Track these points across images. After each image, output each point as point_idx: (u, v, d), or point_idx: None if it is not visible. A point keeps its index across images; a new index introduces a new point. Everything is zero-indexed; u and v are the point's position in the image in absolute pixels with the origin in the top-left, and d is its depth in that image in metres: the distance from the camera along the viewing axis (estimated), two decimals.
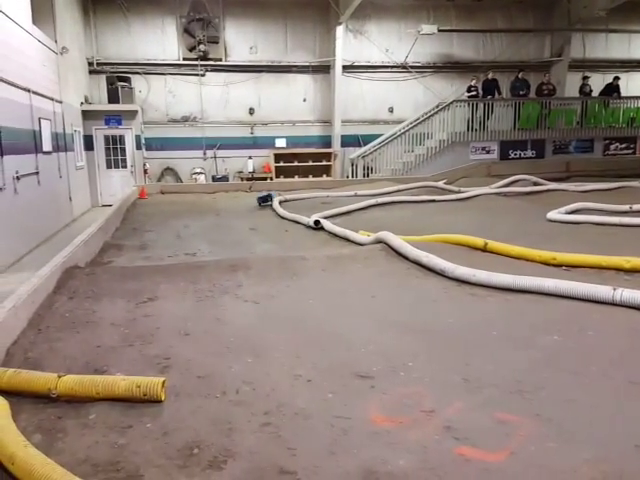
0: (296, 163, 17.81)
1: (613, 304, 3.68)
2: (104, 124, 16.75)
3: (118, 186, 16.36)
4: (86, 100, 16.60)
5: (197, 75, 17.64)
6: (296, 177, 17.33)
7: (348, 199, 10.75)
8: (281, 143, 18.28)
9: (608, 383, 2.67)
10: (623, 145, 17.98)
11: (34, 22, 11.74)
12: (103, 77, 17.02)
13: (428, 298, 4.21)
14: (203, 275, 4.89)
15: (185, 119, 17.83)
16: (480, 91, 17.10)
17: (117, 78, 16.68)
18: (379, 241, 5.89)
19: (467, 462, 2.04)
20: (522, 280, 4.13)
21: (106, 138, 16.88)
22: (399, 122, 17.46)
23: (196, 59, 17.43)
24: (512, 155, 17.08)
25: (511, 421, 2.32)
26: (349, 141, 18.29)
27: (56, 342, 3.33)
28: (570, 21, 18.71)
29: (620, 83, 18.44)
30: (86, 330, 3.56)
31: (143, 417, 2.42)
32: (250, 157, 17.85)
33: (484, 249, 5.52)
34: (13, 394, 2.60)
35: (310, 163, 17.88)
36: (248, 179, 16.93)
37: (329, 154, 18.15)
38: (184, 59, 17.55)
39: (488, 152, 16.89)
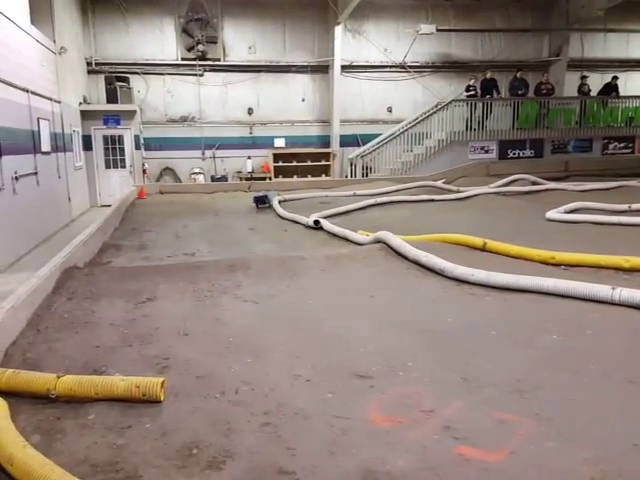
0: (295, 163, 17.81)
1: (612, 303, 3.68)
2: (103, 124, 16.73)
3: (117, 186, 16.34)
4: (85, 100, 16.59)
5: (196, 75, 17.63)
6: (295, 177, 17.33)
7: (347, 199, 10.75)
8: (280, 143, 18.27)
9: (607, 383, 2.67)
10: (622, 144, 17.99)
11: (32, 22, 11.72)
12: (102, 77, 17.00)
13: (427, 298, 4.21)
14: (202, 275, 4.89)
15: (184, 119, 17.82)
16: (479, 91, 17.11)
17: (115, 78, 16.66)
18: (378, 241, 5.90)
19: (466, 462, 2.04)
20: (521, 280, 4.13)
21: (105, 138, 16.86)
22: (398, 122, 17.47)
23: (194, 59, 17.42)
24: (511, 155, 17.09)
25: (510, 421, 2.32)
26: (348, 141, 18.29)
27: (55, 342, 3.33)
28: (568, 21, 18.73)
29: (618, 83, 18.45)
30: (85, 330, 3.56)
31: (142, 417, 2.42)
32: (249, 157, 17.84)
33: (483, 249, 5.53)
34: (12, 395, 2.60)
35: (309, 163, 17.88)
36: (247, 179, 16.93)
37: (328, 154, 18.14)
38: (182, 59, 17.53)
39: (487, 152, 16.89)
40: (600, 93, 18.48)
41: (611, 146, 17.92)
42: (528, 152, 17.23)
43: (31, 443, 2.13)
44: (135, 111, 16.81)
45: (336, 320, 3.72)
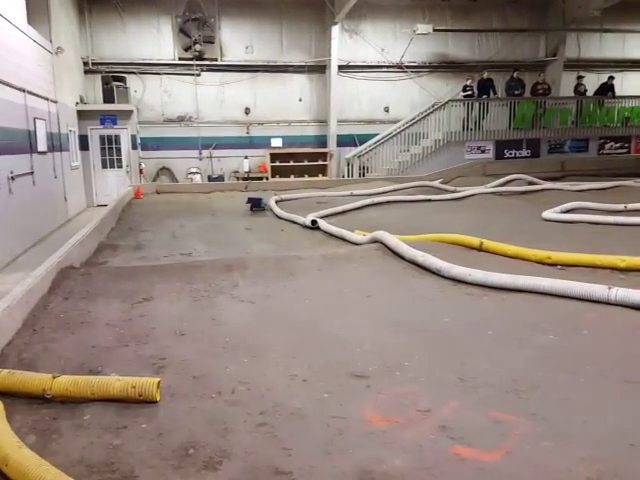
0: (292, 163, 17.79)
1: (608, 303, 3.69)
2: (99, 124, 16.68)
3: (113, 186, 16.30)
4: (81, 100, 16.55)
5: (193, 75, 17.60)
6: (292, 177, 17.30)
7: (344, 199, 10.76)
8: (277, 143, 18.26)
9: (603, 382, 2.67)
10: (618, 144, 18.04)
11: (29, 22, 11.69)
12: (98, 77, 16.96)
13: (424, 297, 4.21)
14: (199, 275, 4.88)
15: (181, 119, 17.79)
16: (475, 91, 17.12)
17: (112, 78, 16.61)
18: (375, 241, 5.90)
19: (463, 462, 2.04)
20: (518, 279, 4.14)
21: (101, 138, 16.82)
22: (395, 122, 17.49)
23: (192, 59, 17.39)
24: (507, 154, 17.11)
25: (507, 420, 2.32)
26: (345, 141, 18.28)
27: (51, 343, 3.32)
28: (565, 21, 18.74)
29: (615, 83, 18.48)
30: (81, 330, 3.55)
31: (138, 418, 2.42)
32: (246, 157, 17.82)
33: (480, 248, 5.53)
34: (7, 395, 2.59)
35: (306, 163, 17.86)
36: (244, 179, 16.91)
37: (325, 154, 18.14)
38: (180, 59, 17.51)
39: (483, 152, 16.91)
40: (596, 93, 18.51)
41: (607, 146, 17.96)
42: (524, 152, 17.25)
43: (26, 443, 2.12)
44: (132, 111, 16.77)
45: (333, 320, 3.72)
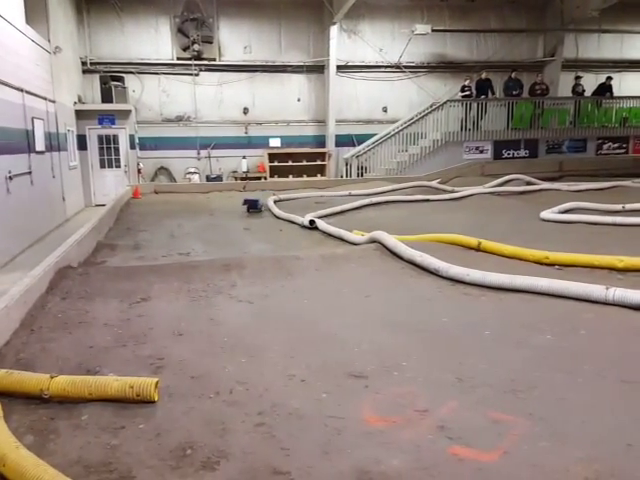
0: (290, 163, 17.79)
1: (606, 303, 3.69)
2: (97, 124, 16.66)
3: (112, 186, 16.28)
4: (79, 100, 16.53)
5: (191, 75, 17.59)
6: (290, 177, 17.30)
7: (342, 199, 10.76)
8: (275, 143, 18.25)
9: (601, 382, 2.68)
10: (616, 145, 18.06)
11: (27, 21, 11.67)
12: (96, 76, 16.93)
13: (422, 297, 4.21)
14: (197, 275, 4.88)
15: (179, 119, 17.78)
16: (474, 91, 17.14)
17: (110, 78, 16.59)
18: (373, 241, 5.90)
19: (461, 462, 2.04)
20: (516, 279, 4.14)
21: (99, 138, 16.79)
22: (393, 122, 17.48)
23: (190, 59, 17.38)
24: (505, 155, 17.12)
25: (504, 420, 2.32)
26: (343, 141, 18.28)
27: (48, 343, 3.32)
28: (563, 21, 18.76)
29: (613, 83, 18.51)
30: (79, 330, 3.55)
31: (136, 418, 2.41)
32: (244, 157, 17.81)
33: (478, 248, 5.54)
34: (5, 395, 2.59)
35: (304, 163, 17.86)
36: (242, 179, 16.91)
37: (323, 154, 18.14)
38: (178, 59, 17.49)
39: (482, 152, 16.92)
40: (594, 93, 18.53)
41: (605, 146, 17.99)
42: (523, 152, 17.27)
43: (24, 444, 2.12)
44: (130, 111, 16.76)
45: (331, 320, 3.72)
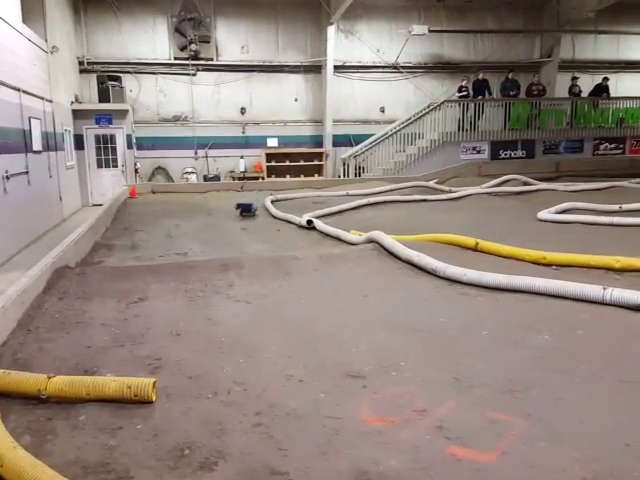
0: (288, 163, 17.80)
1: (603, 303, 3.70)
2: (95, 123, 16.64)
3: (109, 185, 16.27)
4: (76, 99, 16.51)
5: (188, 74, 17.59)
6: (288, 177, 17.31)
7: (340, 199, 10.76)
8: (273, 143, 18.26)
9: (598, 382, 2.68)
10: (612, 145, 18.10)
11: (24, 21, 11.65)
12: (94, 76, 16.92)
13: (420, 298, 4.21)
14: (194, 275, 4.87)
15: (176, 118, 17.77)
16: (471, 91, 17.16)
17: (108, 77, 16.58)
18: (371, 241, 5.90)
19: (459, 462, 2.04)
20: (513, 280, 4.14)
21: (97, 137, 16.78)
22: (390, 122, 17.49)
23: (187, 58, 17.37)
24: (502, 155, 17.15)
25: (502, 420, 2.32)
26: (341, 141, 18.30)
27: (46, 343, 3.31)
28: (559, 22, 18.81)
29: (609, 84, 18.55)
30: (76, 331, 3.54)
31: (134, 418, 2.41)
32: (242, 157, 17.82)
33: (475, 249, 5.54)
34: (2, 395, 2.58)
35: (302, 163, 17.87)
36: (240, 179, 16.89)
37: (321, 154, 18.15)
38: (175, 58, 17.48)
39: (479, 152, 16.95)
40: (591, 94, 18.58)
41: (602, 147, 18.02)
42: (520, 153, 17.30)
43: (21, 444, 2.11)
44: (127, 110, 16.74)
45: (329, 320, 3.72)
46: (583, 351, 3.07)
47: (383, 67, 18.77)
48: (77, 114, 16.26)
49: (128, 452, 2.14)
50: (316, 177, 17.38)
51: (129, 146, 16.85)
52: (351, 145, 17.84)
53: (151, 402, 2.52)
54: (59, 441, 2.25)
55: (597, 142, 17.98)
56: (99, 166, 16.89)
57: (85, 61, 16.92)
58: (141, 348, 3.23)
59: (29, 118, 11.39)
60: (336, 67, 17.88)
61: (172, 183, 16.95)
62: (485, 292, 4.19)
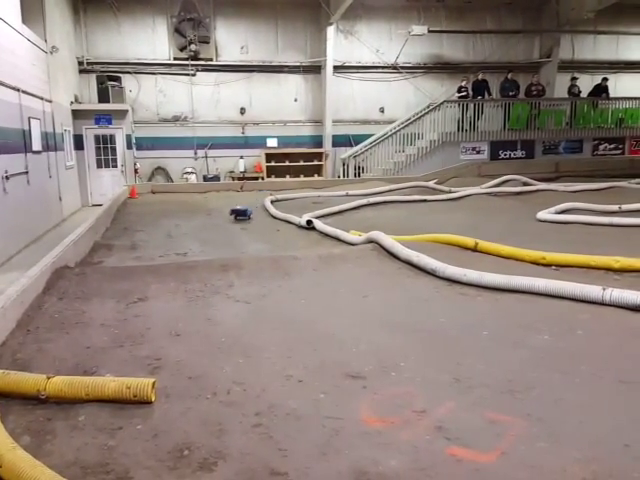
0: (287, 163, 17.80)
1: (603, 304, 3.70)
2: (94, 123, 16.65)
3: (108, 186, 16.28)
4: (76, 99, 16.51)
5: (188, 75, 17.59)
6: (287, 177, 17.32)
7: (339, 199, 10.76)
8: (272, 143, 18.27)
9: (598, 383, 2.68)
10: (612, 145, 18.12)
11: (24, 21, 11.65)
12: (93, 76, 16.93)
13: (419, 298, 4.21)
14: (194, 275, 4.87)
15: (176, 119, 17.77)
16: (470, 92, 17.17)
17: (107, 77, 16.59)
18: (370, 241, 5.90)
19: (458, 462, 2.04)
20: (513, 280, 4.14)
21: (96, 137, 16.79)
22: (390, 122, 17.51)
23: (187, 59, 17.38)
24: (502, 155, 17.16)
25: (502, 421, 2.32)
26: (340, 141, 18.30)
27: (45, 343, 3.31)
28: (559, 22, 18.82)
29: (608, 84, 18.56)
30: (76, 331, 3.54)
31: (133, 418, 2.41)
32: (241, 157, 17.82)
33: (475, 249, 5.54)
34: (1, 396, 2.58)
35: (301, 163, 17.88)
36: (239, 179, 16.90)
37: (320, 154, 18.15)
38: (175, 59, 17.49)
39: (478, 152, 16.96)
40: (590, 94, 18.59)
41: (601, 147, 18.04)
42: (519, 153, 17.32)
43: (21, 444, 2.11)
44: (127, 110, 16.75)
45: (328, 320, 3.72)
46: (583, 351, 3.07)
47: (383, 67, 18.78)
48: (77, 114, 16.26)
49: (127, 452, 2.14)
50: (316, 177, 17.39)
51: (129, 146, 16.86)
52: (351, 145, 17.84)
53: (150, 402, 2.52)
54: (58, 441, 2.24)
55: (596, 142, 18.00)
56: (99, 166, 16.90)
57: (85, 61, 16.93)
58: (140, 348, 3.22)
59: (29, 118, 11.39)
60: (336, 67, 17.89)
61: (172, 183, 16.95)
62: (485, 292, 4.19)
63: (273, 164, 17.77)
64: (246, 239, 7.30)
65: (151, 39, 17.37)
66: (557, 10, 18.69)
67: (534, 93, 17.85)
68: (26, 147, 11.19)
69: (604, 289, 3.72)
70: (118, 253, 6.45)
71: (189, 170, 17.66)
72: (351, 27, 18.37)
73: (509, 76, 17.73)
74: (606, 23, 18.92)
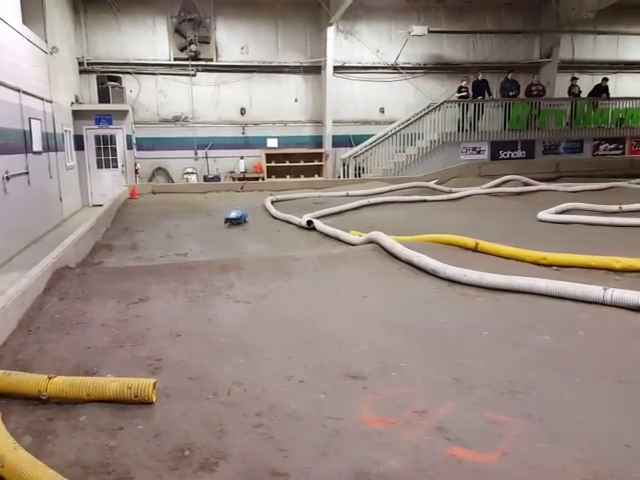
0: (288, 163, 17.80)
1: (603, 304, 3.70)
2: (95, 124, 16.65)
3: (109, 186, 16.28)
4: (76, 100, 16.51)
5: (188, 75, 17.59)
6: (288, 177, 17.32)
7: (340, 199, 10.76)
8: (273, 143, 18.26)
9: (599, 383, 2.68)
10: (612, 145, 18.10)
11: (24, 22, 11.65)
12: (93, 77, 16.93)
13: (420, 298, 4.21)
14: (194, 275, 4.87)
15: (176, 119, 17.77)
16: (470, 92, 17.16)
17: (108, 78, 16.59)
18: (371, 241, 5.90)
19: (459, 463, 2.04)
20: (513, 280, 4.14)
21: (97, 138, 16.79)
22: (390, 122, 17.49)
23: (187, 59, 17.38)
24: (502, 155, 17.16)
25: (503, 421, 2.32)
26: (340, 141, 18.30)
27: (46, 343, 3.31)
28: (559, 23, 18.81)
29: (608, 84, 18.55)
30: (76, 331, 3.54)
31: (134, 419, 2.41)
32: (242, 157, 17.82)
33: (475, 249, 5.54)
34: (3, 396, 2.59)
35: (302, 163, 17.88)
36: (240, 179, 16.90)
37: (321, 154, 18.15)
38: (175, 59, 17.49)
39: (479, 152, 16.96)
40: (590, 95, 18.58)
41: (602, 147, 18.03)
42: (519, 153, 17.31)
43: (22, 445, 2.11)
44: (127, 111, 16.75)
45: (329, 320, 3.72)
46: (583, 352, 3.07)
47: (383, 68, 18.77)
48: (77, 115, 16.27)
49: (128, 453, 2.14)
50: (316, 177, 17.39)
51: (129, 146, 16.86)
52: (351, 146, 17.84)
53: (151, 403, 2.52)
54: (59, 442, 2.25)
55: (597, 142, 17.99)
56: (99, 167, 16.90)
57: (85, 62, 16.93)
58: (141, 349, 3.23)
59: (29, 119, 11.40)
60: (336, 68, 17.88)
61: (172, 184, 16.95)
62: (485, 293, 4.19)
63: (273, 164, 17.77)
64: (246, 239, 7.30)
65: (151, 39, 17.37)
66: (557, 10, 18.68)
67: (534, 93, 17.85)
68: (27, 147, 11.19)
69: (605, 289, 3.72)
70: (119, 253, 6.46)
71: (189, 170, 17.66)
72: (351, 27, 18.37)
73: (509, 76, 17.72)
74: (606, 23, 18.91)
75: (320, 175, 17.82)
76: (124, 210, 10.58)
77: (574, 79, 18.87)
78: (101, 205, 11.18)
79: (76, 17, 16.75)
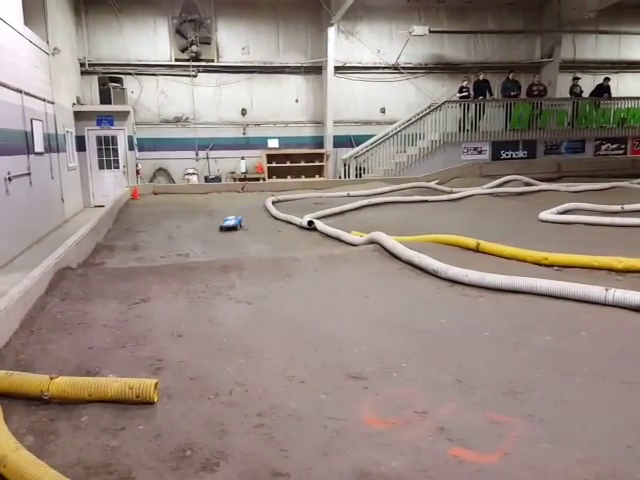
0: (289, 164, 17.79)
1: (605, 304, 3.69)
2: (96, 125, 16.67)
3: (110, 187, 16.29)
4: (78, 101, 16.53)
5: (189, 76, 17.60)
6: (289, 177, 17.32)
7: (341, 199, 10.76)
8: (273, 144, 18.26)
9: (600, 383, 2.68)
10: (614, 145, 18.08)
11: (26, 23, 11.66)
12: (95, 78, 16.94)
13: (421, 299, 4.21)
14: (196, 276, 4.88)
15: (177, 120, 17.78)
16: (471, 92, 17.16)
17: (109, 79, 16.61)
18: (372, 242, 5.90)
19: (460, 463, 2.04)
20: (515, 280, 4.14)
21: (98, 139, 16.81)
22: (391, 123, 17.49)
23: (188, 60, 17.39)
24: (504, 155, 17.14)
25: (504, 422, 2.32)
26: (341, 142, 18.30)
27: (48, 344, 3.31)
28: (560, 22, 18.80)
29: (610, 84, 18.53)
30: (78, 331, 3.55)
31: (135, 419, 2.41)
32: (243, 158, 17.82)
33: (476, 249, 5.54)
34: (5, 396, 2.59)
35: (303, 164, 17.87)
36: (241, 179, 16.91)
37: (321, 155, 18.15)
38: (176, 60, 17.50)
39: (480, 152, 16.95)
40: (592, 94, 18.55)
41: (603, 147, 18.01)
42: (521, 153, 17.30)
43: (24, 445, 2.12)
44: (128, 112, 16.76)
45: (330, 321, 3.72)
46: (585, 352, 3.07)
47: (384, 68, 18.77)
48: (78, 115, 16.29)
49: (130, 453, 2.15)
50: (317, 178, 17.39)
51: (130, 147, 16.88)
52: (352, 146, 17.84)
53: (153, 403, 2.52)
54: (61, 442, 2.25)
55: (598, 142, 17.98)
56: (101, 167, 16.92)
57: (86, 62, 16.94)
58: (143, 349, 3.23)
59: (31, 120, 11.41)
60: (337, 68, 17.88)
61: (173, 184, 16.97)
62: (487, 293, 4.19)
63: (274, 165, 17.77)
64: (247, 240, 7.31)
65: (152, 40, 17.38)
66: (558, 10, 18.66)
67: (536, 93, 17.83)
68: (28, 148, 11.20)
69: (607, 290, 3.71)
70: (120, 254, 6.46)
71: (190, 171, 17.67)
72: (352, 28, 18.37)
73: (510, 76, 17.71)
74: (608, 23, 18.89)
75: (321, 175, 17.82)
76: (125, 211, 10.60)
77: (576, 79, 18.84)
78: (103, 206, 11.20)
79: (77, 18, 16.77)
